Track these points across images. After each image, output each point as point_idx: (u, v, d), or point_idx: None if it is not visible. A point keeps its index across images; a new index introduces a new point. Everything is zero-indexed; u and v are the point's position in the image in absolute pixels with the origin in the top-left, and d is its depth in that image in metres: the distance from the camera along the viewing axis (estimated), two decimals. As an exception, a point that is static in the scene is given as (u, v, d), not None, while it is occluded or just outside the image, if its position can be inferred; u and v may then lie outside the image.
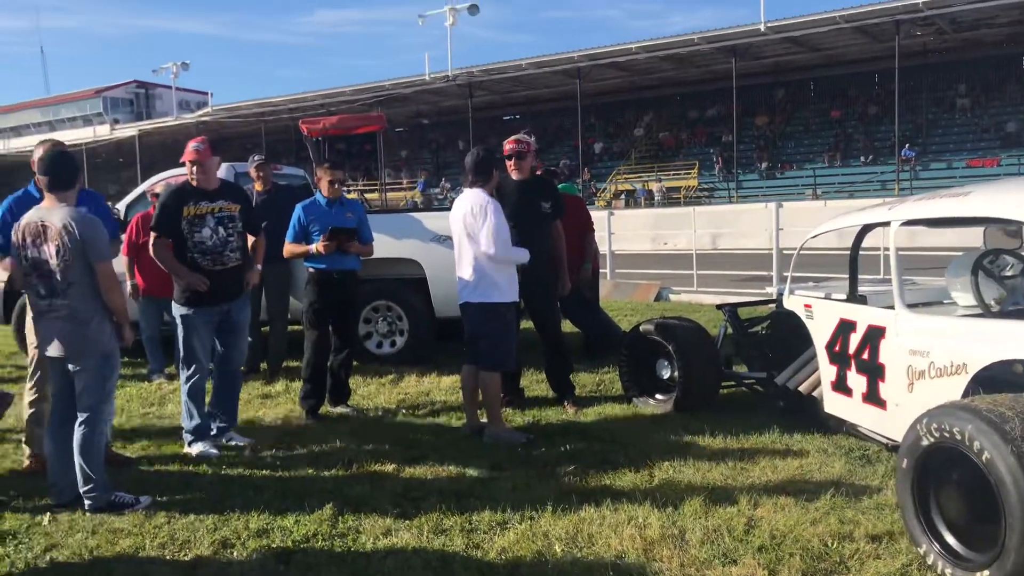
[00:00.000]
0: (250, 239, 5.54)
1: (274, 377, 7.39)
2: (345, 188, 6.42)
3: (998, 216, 3.96)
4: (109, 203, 8.75)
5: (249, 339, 7.37)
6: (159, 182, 8.09)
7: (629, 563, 3.49)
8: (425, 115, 45.28)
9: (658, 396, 6.03)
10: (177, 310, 5.33)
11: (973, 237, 4.99)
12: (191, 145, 5.29)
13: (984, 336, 3.74)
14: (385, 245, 7.19)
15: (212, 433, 5.41)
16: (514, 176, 6.06)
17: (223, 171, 8.21)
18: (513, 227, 5.67)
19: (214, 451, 5.24)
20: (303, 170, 10.35)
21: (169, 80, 50.68)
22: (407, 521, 4.01)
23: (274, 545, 3.80)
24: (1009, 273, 4.56)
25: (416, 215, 8.15)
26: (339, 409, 6.22)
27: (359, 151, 46.00)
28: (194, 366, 5.31)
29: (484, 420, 5.50)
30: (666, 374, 5.93)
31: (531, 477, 4.61)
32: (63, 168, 4.37)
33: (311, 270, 6.12)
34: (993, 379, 3.68)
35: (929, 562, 3.30)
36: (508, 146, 6.07)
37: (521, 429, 5.59)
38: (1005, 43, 32.88)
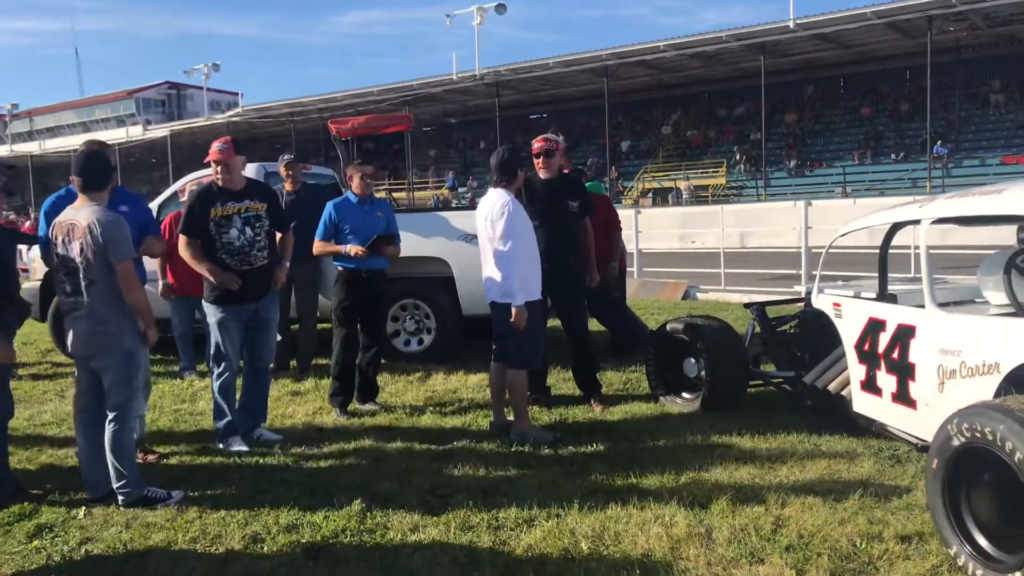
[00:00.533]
0: (279, 237, 5.60)
1: (303, 374, 7.47)
2: (374, 188, 6.46)
3: (1032, 214, 3.91)
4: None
5: (279, 337, 7.51)
6: (191, 182, 8.19)
7: (656, 561, 3.50)
8: (452, 114, 45.41)
9: (685, 395, 6.01)
10: (207, 308, 5.40)
11: (1006, 235, 4.93)
12: (215, 145, 5.33)
13: (1017, 335, 3.69)
14: (413, 244, 7.23)
15: (243, 430, 5.48)
16: (542, 175, 6.08)
17: (252, 171, 8.32)
18: (539, 225, 5.72)
19: (245, 448, 5.31)
20: (332, 170, 10.44)
21: (200, 81, 51.26)
22: (434, 517, 4.04)
23: (303, 540, 3.85)
24: (1043, 272, 4.49)
25: (443, 214, 8.19)
26: (367, 406, 6.27)
27: (387, 150, 46.27)
28: (224, 364, 5.38)
29: (511, 418, 5.52)
30: (693, 373, 5.92)
31: (558, 475, 4.62)
32: (95, 168, 4.44)
33: (340, 269, 6.18)
34: (1025, 379, 3.64)
35: (960, 563, 3.27)
36: (536, 145, 6.09)
37: (548, 427, 5.60)
38: (1040, 38, 32.31)
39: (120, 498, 4.33)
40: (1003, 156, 29.47)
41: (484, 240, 5.41)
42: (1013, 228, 4.70)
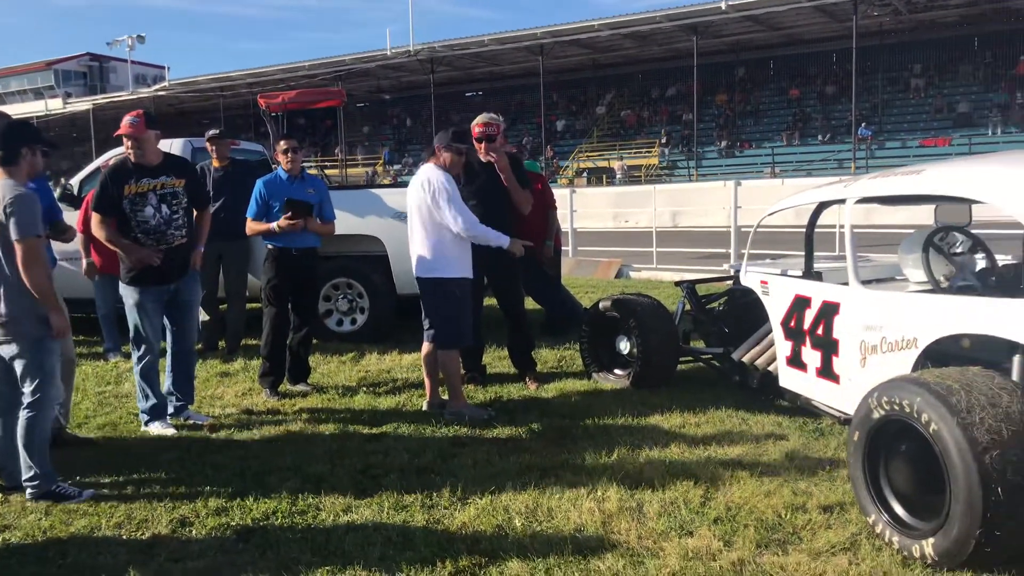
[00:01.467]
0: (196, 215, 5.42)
1: (233, 355, 7.32)
2: (305, 164, 6.35)
3: (950, 194, 4.04)
4: (63, 180, 8.59)
5: (206, 317, 7.36)
6: (114, 157, 7.92)
7: (588, 536, 3.54)
8: (386, 90, 44.86)
9: (617, 371, 6.09)
10: (124, 290, 5.23)
11: (926, 215, 5.09)
12: (126, 119, 5.09)
13: (933, 312, 3.82)
14: (346, 222, 7.13)
15: (169, 412, 5.36)
16: (484, 157, 6.03)
17: (179, 146, 8.09)
18: (477, 205, 5.71)
19: (171, 430, 5.19)
20: (262, 145, 10.21)
21: (124, 53, 49.63)
22: (367, 498, 4.02)
23: (233, 523, 3.78)
24: (958, 250, 4.66)
25: (377, 191, 8.09)
26: (299, 387, 6.19)
27: (319, 126, 45.48)
28: (144, 346, 5.22)
29: (445, 397, 5.51)
30: (625, 350, 5.99)
31: (492, 453, 4.63)
32: (2, 142, 4.20)
33: (270, 247, 6.06)
34: (942, 353, 3.78)
35: (878, 531, 3.39)
36: (477, 129, 6.02)
37: (483, 405, 5.61)
38: (958, 25, 33.45)
39: (28, 491, 4.12)
40: (922, 139, 30.50)
41: (414, 216, 5.36)
42: (932, 208, 4.85)
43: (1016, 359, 3.41)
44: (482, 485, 4.12)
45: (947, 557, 3.07)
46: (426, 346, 5.54)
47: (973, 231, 4.70)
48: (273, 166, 6.68)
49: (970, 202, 4.36)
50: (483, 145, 5.96)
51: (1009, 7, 30.76)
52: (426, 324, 5.51)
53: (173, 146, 7.96)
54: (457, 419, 5.25)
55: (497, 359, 6.87)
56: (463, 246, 5.36)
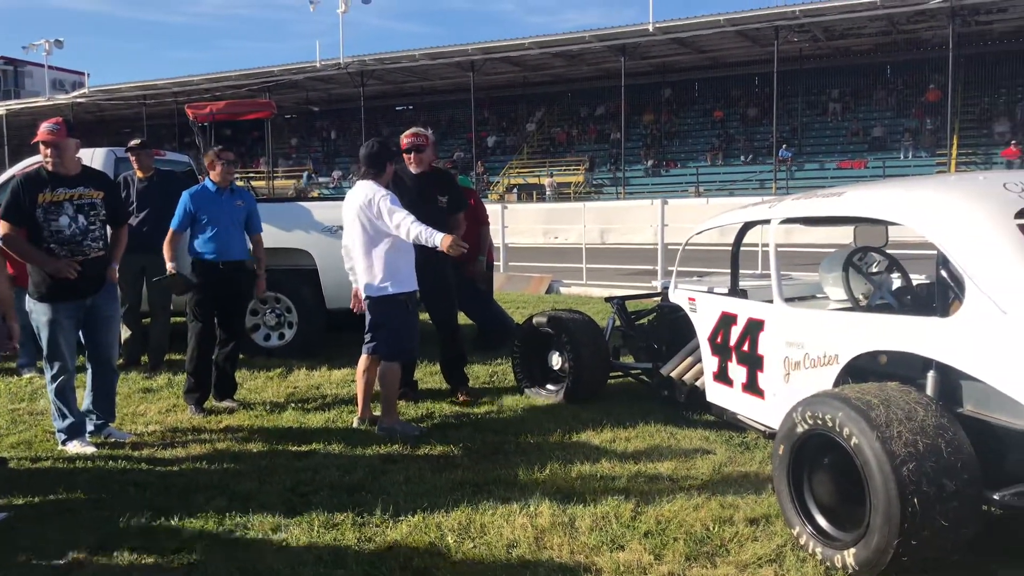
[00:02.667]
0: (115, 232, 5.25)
1: (156, 371, 7.12)
2: (234, 176, 6.24)
3: (869, 216, 4.20)
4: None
5: (128, 332, 7.14)
6: (30, 166, 7.64)
7: (520, 551, 3.55)
8: (315, 102, 44.37)
9: (549, 387, 6.13)
10: (35, 307, 5.00)
11: (845, 235, 5.28)
12: (44, 126, 4.92)
13: (853, 329, 3.96)
14: (274, 235, 7.03)
15: (89, 430, 5.17)
16: (412, 169, 6.03)
17: (102, 156, 7.86)
18: None
19: (91, 448, 5.01)
20: (188, 156, 9.99)
21: (41, 58, 47.79)
22: (298, 516, 3.95)
23: (157, 544, 3.67)
24: (876, 269, 4.85)
25: (307, 204, 8.00)
26: (225, 403, 6.05)
27: (246, 138, 44.72)
28: (58, 364, 5.00)
29: (376, 413, 5.46)
30: (557, 365, 6.04)
31: (424, 469, 4.61)
32: None
33: (195, 260, 5.93)
34: (861, 369, 3.92)
35: (802, 543, 3.49)
36: (406, 140, 6.02)
37: (414, 421, 5.58)
38: (872, 52, 34.90)
39: None
40: (840, 160, 31.63)
41: (356, 236, 5.31)
42: (851, 228, 5.04)
43: (930, 375, 3.56)
44: (414, 502, 4.09)
45: (867, 567, 3.18)
46: (363, 360, 5.48)
47: (889, 251, 4.91)
48: (200, 177, 6.55)
49: (887, 224, 4.54)
50: (412, 156, 5.97)
51: (919, 37, 32.25)
52: (367, 338, 5.45)
53: (95, 155, 7.73)
54: (388, 435, 5.20)
55: (428, 374, 6.84)
56: (408, 259, 5.34)
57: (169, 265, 5.85)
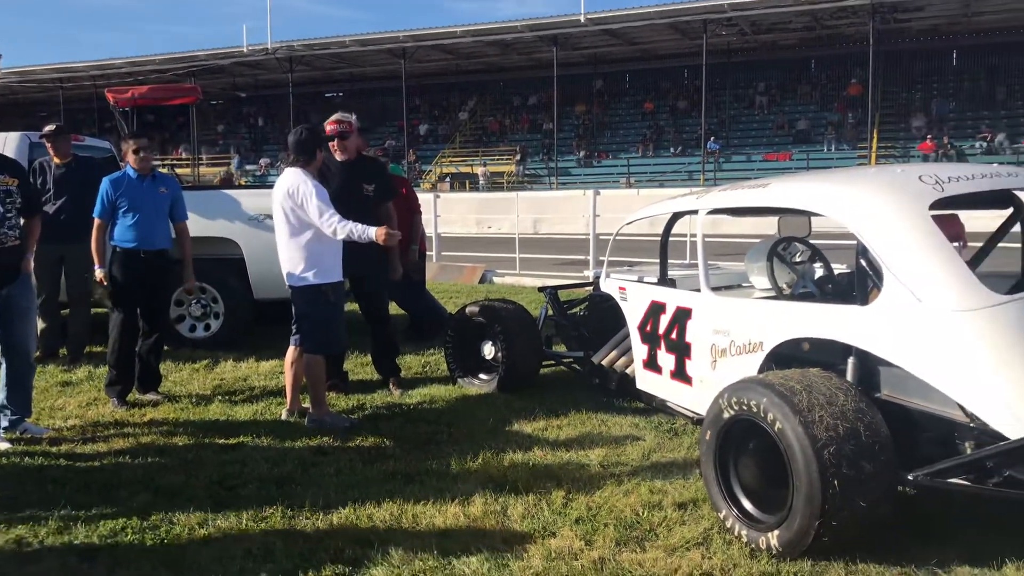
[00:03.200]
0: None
1: (75, 363, 6.89)
2: (157, 163, 6.07)
3: (793, 207, 4.31)
4: None
5: (43, 325, 6.88)
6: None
7: (453, 540, 3.55)
8: (242, 88, 43.39)
9: (482, 376, 6.13)
10: None
11: (770, 225, 5.40)
12: None
13: (777, 317, 4.07)
14: (200, 224, 6.86)
15: (3, 426, 4.98)
16: (338, 157, 5.94)
17: (15, 140, 7.54)
18: (336, 207, 5.60)
19: (5, 444, 4.82)
20: (109, 141, 9.66)
21: (-54, 37, 45.57)
22: (225, 510, 3.88)
23: (77, 541, 3.56)
24: (799, 259, 4.99)
25: (233, 192, 7.82)
26: (148, 396, 5.89)
27: (170, 123, 43.51)
28: (-31, 358, 4.82)
29: (306, 405, 5.39)
30: (490, 355, 6.05)
31: (355, 461, 4.57)
32: None
33: (117, 249, 5.75)
34: (784, 356, 4.02)
35: (728, 526, 3.58)
36: (329, 127, 5.92)
37: (345, 413, 5.53)
38: (797, 47, 35.77)
39: None
40: (766, 153, 32.35)
41: (281, 222, 5.22)
42: (776, 219, 5.16)
43: (850, 361, 3.67)
44: (345, 493, 4.06)
45: (790, 547, 3.27)
46: (291, 351, 5.40)
47: (812, 241, 5.05)
48: (121, 164, 6.34)
49: (810, 215, 4.67)
50: (336, 144, 5.89)
51: (842, 33, 33.17)
52: (294, 328, 5.37)
53: (7, 140, 7.42)
54: (318, 427, 5.14)
55: (359, 365, 6.78)
56: (334, 249, 5.26)
57: (98, 273, 5.69)
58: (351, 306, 6.43)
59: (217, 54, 36.82)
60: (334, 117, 5.98)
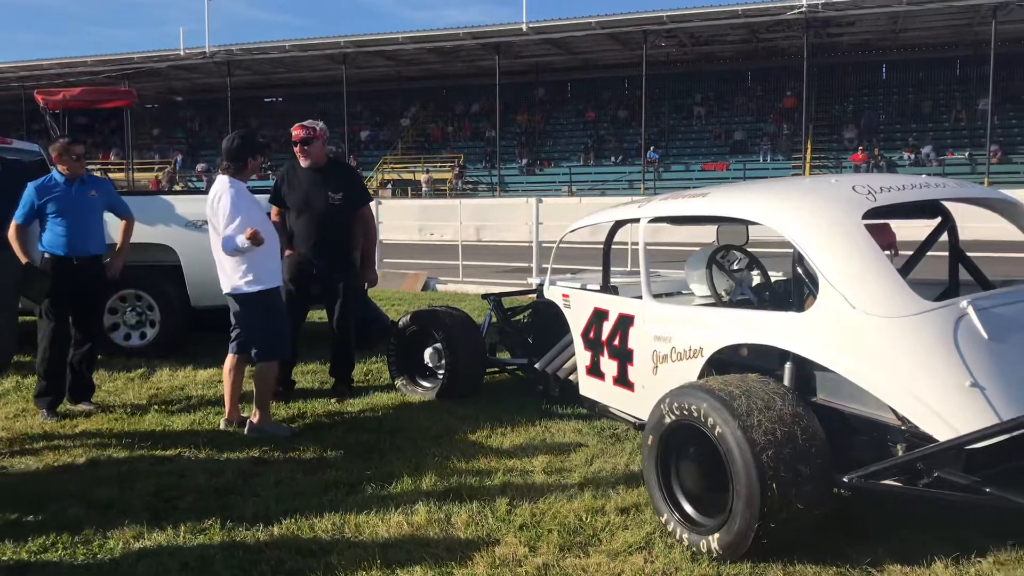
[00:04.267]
0: None
1: (1, 373, 6.63)
2: (89, 167, 5.92)
3: (731, 216, 4.40)
4: None
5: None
6: None
7: (396, 549, 3.53)
8: (179, 92, 42.46)
9: (426, 384, 6.11)
10: None
11: (709, 233, 5.50)
12: None
13: (716, 323, 4.14)
14: (136, 229, 6.68)
15: (-75, 438, 4.79)
16: (303, 163, 5.90)
17: (-62, 143, 7.27)
18: (298, 216, 5.72)
19: (-72, 458, 4.64)
20: (38, 145, 9.37)
21: None
22: (162, 522, 3.78)
23: (5, 558, 3.44)
24: (737, 267, 5.10)
25: (169, 198, 7.66)
26: (81, 406, 5.73)
27: (104, 127, 42.40)
28: None
29: (245, 414, 5.29)
30: (433, 362, 6.03)
31: (296, 471, 4.51)
32: None
33: (47, 255, 5.58)
34: (724, 362, 4.10)
35: (670, 529, 3.62)
36: (295, 133, 5.90)
37: (286, 422, 5.44)
38: (734, 59, 36.53)
39: None
40: (704, 163, 32.94)
41: (213, 229, 5.13)
42: (715, 227, 5.26)
43: (787, 366, 3.76)
44: (286, 504, 4.00)
45: (730, 550, 3.33)
46: (230, 359, 5.30)
47: (750, 249, 5.15)
48: (51, 168, 6.16)
49: (748, 223, 4.77)
50: (299, 149, 5.85)
51: (777, 46, 33.98)
52: (233, 335, 5.28)
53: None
54: (259, 437, 5.06)
55: (299, 374, 6.69)
56: (271, 254, 5.18)
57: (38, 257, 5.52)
58: (319, 313, 6.35)
59: (153, 56, 36.02)
60: (300, 123, 5.97)
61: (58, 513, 3.88)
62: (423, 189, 33.66)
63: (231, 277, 5.10)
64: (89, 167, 6.15)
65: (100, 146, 39.87)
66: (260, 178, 34.80)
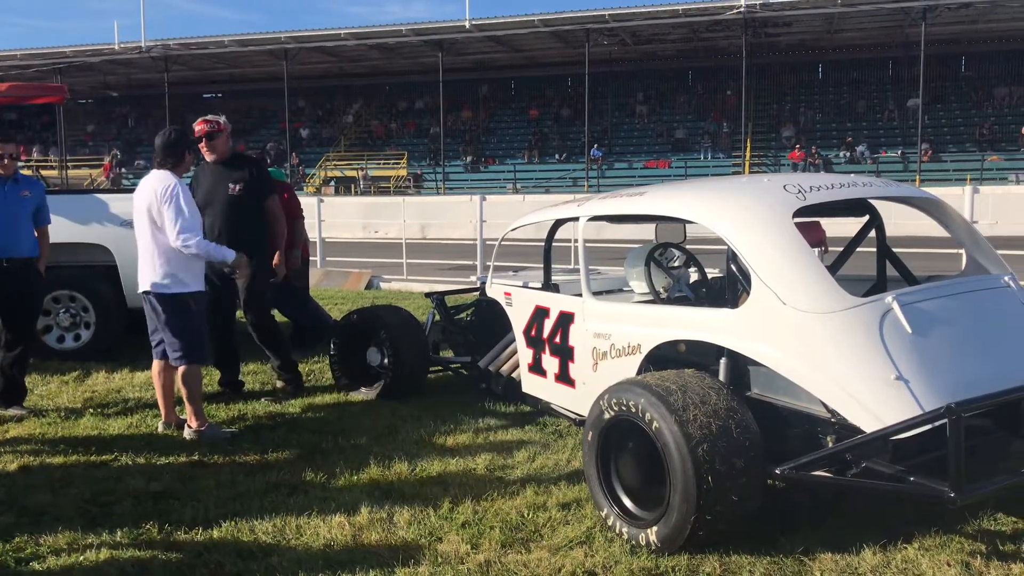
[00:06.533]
0: None
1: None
2: (20, 164, 5.76)
3: (667, 214, 4.48)
4: None
5: None
6: None
7: (337, 550, 3.53)
8: (114, 87, 41.39)
9: (369, 384, 6.09)
10: None
11: (648, 231, 5.59)
12: None
13: (654, 320, 4.22)
14: (68, 229, 6.56)
15: None
16: (208, 158, 5.86)
17: None
18: (203, 211, 5.56)
19: None
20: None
21: None
22: (98, 528, 3.72)
23: (-68, 569, 3.35)
24: (675, 264, 5.19)
25: (104, 196, 7.49)
26: (12, 411, 5.58)
27: (35, 123, 41.17)
28: None
29: (183, 416, 5.21)
30: (376, 361, 6.01)
31: (236, 473, 4.46)
32: None
33: (-25, 257, 5.42)
34: (663, 358, 4.18)
35: (610, 524, 3.68)
36: (197, 128, 5.83)
37: (225, 424, 5.38)
38: (675, 58, 37.01)
39: None
40: (646, 160, 33.32)
41: (144, 227, 5.03)
42: (653, 226, 5.35)
43: (722, 362, 3.85)
44: (226, 506, 3.97)
45: (668, 543, 3.40)
46: (156, 363, 5.21)
47: (688, 247, 5.25)
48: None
49: (684, 222, 4.86)
50: (204, 144, 5.78)
51: (717, 46, 34.52)
52: (154, 340, 5.19)
53: None
54: (198, 439, 4.99)
55: (240, 375, 6.60)
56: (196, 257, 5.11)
57: None
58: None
59: (86, 51, 35.09)
60: (202, 118, 5.89)
61: (-12, 521, 3.78)
62: (360, 186, 33.33)
63: (152, 275, 5.00)
64: (22, 166, 5.97)
65: (31, 142, 38.67)
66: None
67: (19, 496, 4.10)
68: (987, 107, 32.77)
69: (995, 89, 32.99)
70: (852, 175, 4.85)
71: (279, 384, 6.00)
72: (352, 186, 33.75)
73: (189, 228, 4.91)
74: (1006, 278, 4.03)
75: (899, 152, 30.73)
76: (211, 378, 6.10)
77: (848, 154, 30.76)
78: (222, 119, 5.93)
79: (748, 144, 31.90)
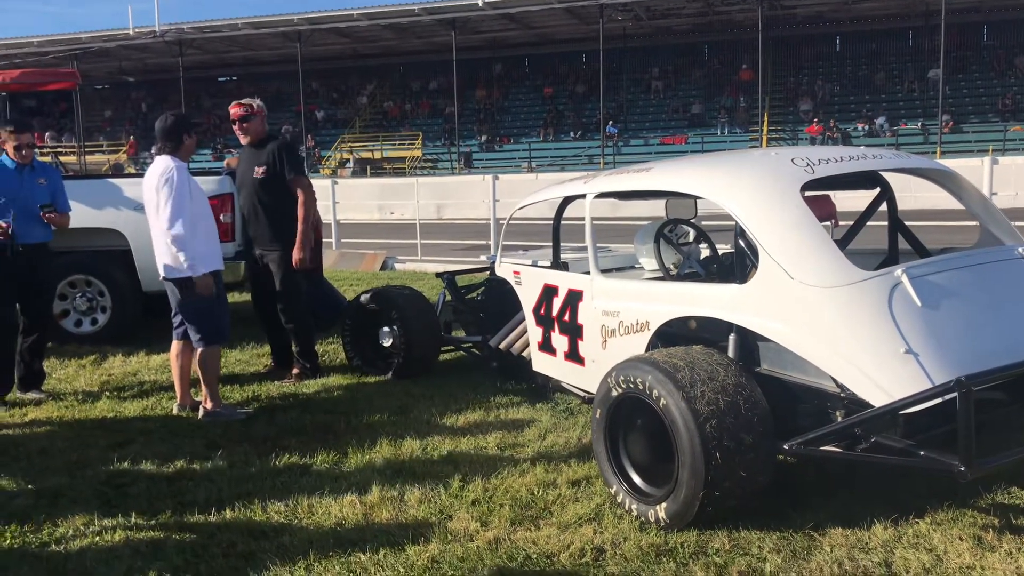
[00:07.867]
0: None
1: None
2: (37, 151, 5.80)
3: (673, 190, 4.45)
4: None
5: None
6: None
7: (348, 528, 3.56)
8: (130, 72, 41.57)
9: (381, 364, 6.11)
10: None
11: (658, 208, 5.55)
12: None
13: (663, 297, 4.20)
14: (84, 214, 6.60)
15: None
16: (242, 141, 5.97)
17: None
18: (239, 195, 5.87)
19: None
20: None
21: None
22: (113, 509, 3.78)
23: (-49, 550, 3.41)
24: (685, 240, 5.16)
25: (118, 181, 7.54)
26: (31, 395, 5.66)
27: (52, 109, 41.44)
28: None
29: (198, 399, 5.27)
30: (388, 342, 6.03)
31: (250, 454, 4.51)
32: None
33: (-9, 242, 5.47)
34: (671, 334, 4.16)
35: (619, 500, 3.69)
36: (232, 111, 5.90)
37: (240, 405, 5.43)
38: (690, 32, 36.60)
39: None
40: (662, 136, 33.05)
41: (153, 212, 5.08)
42: (663, 202, 5.31)
43: (731, 337, 3.83)
44: (239, 487, 4.01)
45: (677, 519, 3.41)
46: (176, 345, 5.26)
47: (699, 223, 5.21)
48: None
49: (693, 198, 4.82)
50: (237, 127, 5.85)
51: (732, 19, 34.10)
52: (176, 322, 5.24)
53: None
54: (213, 421, 5.04)
55: (255, 356, 6.67)
56: (208, 237, 5.14)
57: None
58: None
59: (101, 36, 35.20)
60: (236, 102, 5.96)
61: (6, 502, 3.85)
62: (353, 166, 33.23)
63: (169, 259, 5.04)
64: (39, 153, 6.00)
65: (49, 129, 38.94)
66: (215, 159, 34.36)
67: (37, 478, 4.16)
68: (1010, 77, 32.15)
69: (1018, 58, 32.35)
70: (862, 148, 4.79)
71: (295, 370, 6.02)
72: (367, 167, 33.75)
73: (175, 216, 4.93)
74: (1020, 249, 3.97)
75: (919, 124, 30.30)
76: (226, 359, 6.15)
77: (867, 127, 30.37)
78: (256, 102, 5.96)
79: (765, 119, 31.57)
